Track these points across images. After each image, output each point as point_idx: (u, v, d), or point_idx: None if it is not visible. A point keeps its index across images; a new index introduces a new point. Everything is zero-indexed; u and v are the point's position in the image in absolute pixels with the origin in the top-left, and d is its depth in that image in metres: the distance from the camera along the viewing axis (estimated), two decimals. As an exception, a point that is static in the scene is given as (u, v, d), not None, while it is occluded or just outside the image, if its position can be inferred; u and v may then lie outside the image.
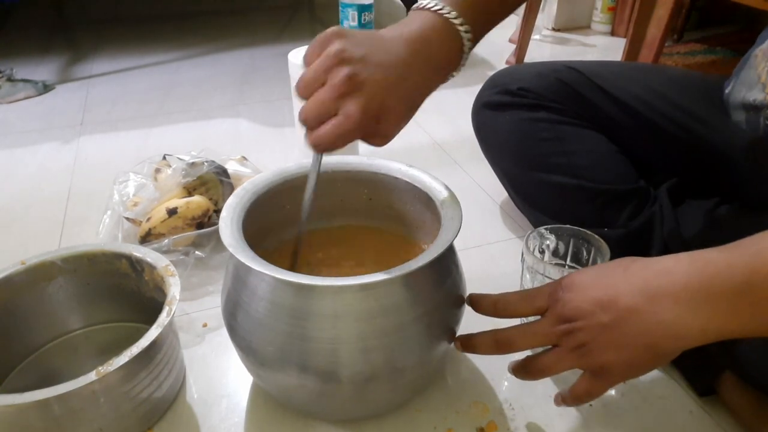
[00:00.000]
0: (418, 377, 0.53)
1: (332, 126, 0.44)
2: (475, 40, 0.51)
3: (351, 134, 0.45)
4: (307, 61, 0.46)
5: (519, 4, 0.57)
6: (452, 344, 0.54)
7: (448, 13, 0.48)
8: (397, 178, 0.60)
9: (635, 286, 0.43)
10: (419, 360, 0.50)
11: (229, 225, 0.52)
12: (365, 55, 0.44)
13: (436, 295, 0.51)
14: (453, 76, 0.52)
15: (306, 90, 0.45)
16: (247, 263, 0.47)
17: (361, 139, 0.48)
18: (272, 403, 0.59)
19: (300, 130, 1.01)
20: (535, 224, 0.76)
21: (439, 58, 0.49)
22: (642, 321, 0.42)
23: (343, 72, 0.43)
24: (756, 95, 0.64)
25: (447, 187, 0.56)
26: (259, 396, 0.60)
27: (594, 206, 0.71)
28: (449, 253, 0.53)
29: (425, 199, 0.57)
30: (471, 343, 0.52)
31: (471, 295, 0.54)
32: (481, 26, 0.51)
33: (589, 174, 0.71)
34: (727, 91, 0.70)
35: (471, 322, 0.55)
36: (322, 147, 0.45)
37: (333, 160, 0.62)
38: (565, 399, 0.50)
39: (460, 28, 0.49)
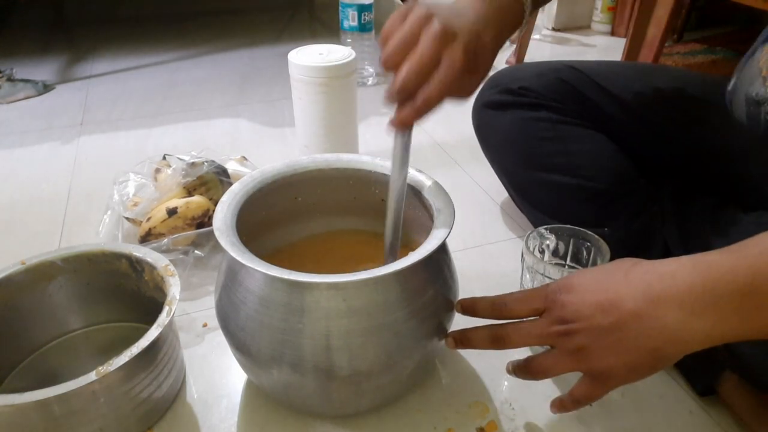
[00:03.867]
0: (411, 372, 0.53)
1: (439, 78, 0.45)
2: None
3: (456, 82, 0.46)
4: (388, 33, 0.47)
5: None
6: (444, 341, 0.54)
7: None
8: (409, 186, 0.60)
9: (638, 290, 0.42)
10: (412, 356, 0.51)
11: (222, 219, 0.52)
12: (450, 12, 0.47)
13: (428, 292, 0.51)
14: (518, 32, 0.55)
15: (398, 55, 0.46)
16: (240, 260, 0.47)
17: (453, 95, 0.49)
18: (268, 401, 0.59)
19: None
20: (535, 224, 0.76)
21: (506, 14, 0.52)
22: (645, 326, 0.41)
23: (436, 26, 0.45)
24: (757, 89, 0.64)
25: (441, 188, 0.56)
26: (254, 394, 0.60)
27: (594, 206, 0.71)
28: (441, 253, 0.54)
29: (424, 200, 0.57)
30: (466, 337, 0.52)
31: (462, 301, 0.54)
32: None
33: (589, 173, 0.71)
34: (729, 88, 0.70)
35: (464, 321, 0.55)
36: (431, 104, 0.46)
37: (345, 157, 0.62)
38: (563, 402, 0.49)
39: None
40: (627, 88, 0.75)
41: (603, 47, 1.70)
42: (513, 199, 0.85)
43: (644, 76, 0.77)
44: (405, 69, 0.45)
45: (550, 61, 0.83)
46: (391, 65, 0.46)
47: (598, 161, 0.72)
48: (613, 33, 1.79)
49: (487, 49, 0.49)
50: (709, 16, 1.77)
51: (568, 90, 0.77)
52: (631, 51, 1.31)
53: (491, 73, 0.74)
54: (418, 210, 0.59)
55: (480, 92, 0.84)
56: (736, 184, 0.69)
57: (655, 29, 1.25)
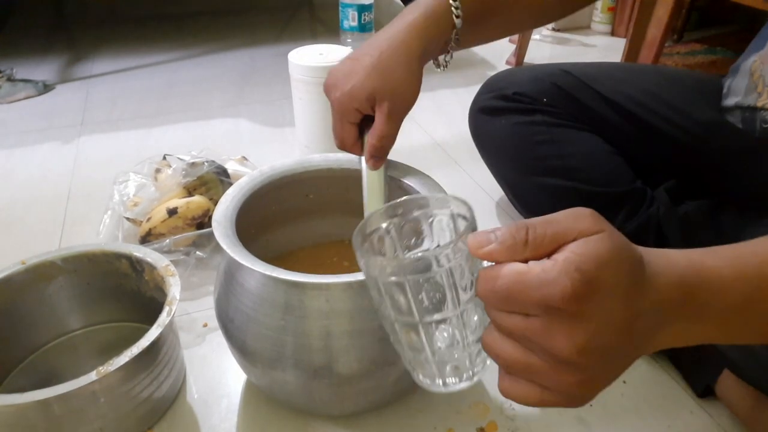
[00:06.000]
0: (398, 380, 0.52)
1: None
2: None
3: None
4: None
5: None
6: None
7: None
8: (411, 186, 0.59)
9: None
10: (397, 363, 0.50)
11: (222, 212, 0.52)
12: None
13: None
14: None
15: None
16: (239, 260, 0.47)
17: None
18: (268, 402, 0.59)
19: (301, 135, 1.01)
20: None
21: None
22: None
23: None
24: (751, 102, 0.64)
25: (441, 190, 0.56)
26: (254, 394, 0.60)
27: (590, 208, 0.70)
28: None
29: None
30: None
31: None
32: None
33: (584, 176, 0.71)
34: (724, 92, 0.70)
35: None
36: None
37: (357, 158, 0.61)
38: None
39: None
40: (621, 90, 0.75)
41: (603, 47, 1.70)
42: (512, 204, 0.85)
43: (638, 78, 0.77)
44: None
45: (545, 64, 0.83)
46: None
47: (594, 163, 0.72)
48: (613, 33, 1.79)
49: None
50: (709, 16, 1.77)
51: (563, 94, 0.76)
52: (632, 51, 1.31)
53: (491, 73, 0.74)
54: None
55: (475, 97, 0.83)
56: (732, 185, 0.69)
57: (655, 29, 1.25)
